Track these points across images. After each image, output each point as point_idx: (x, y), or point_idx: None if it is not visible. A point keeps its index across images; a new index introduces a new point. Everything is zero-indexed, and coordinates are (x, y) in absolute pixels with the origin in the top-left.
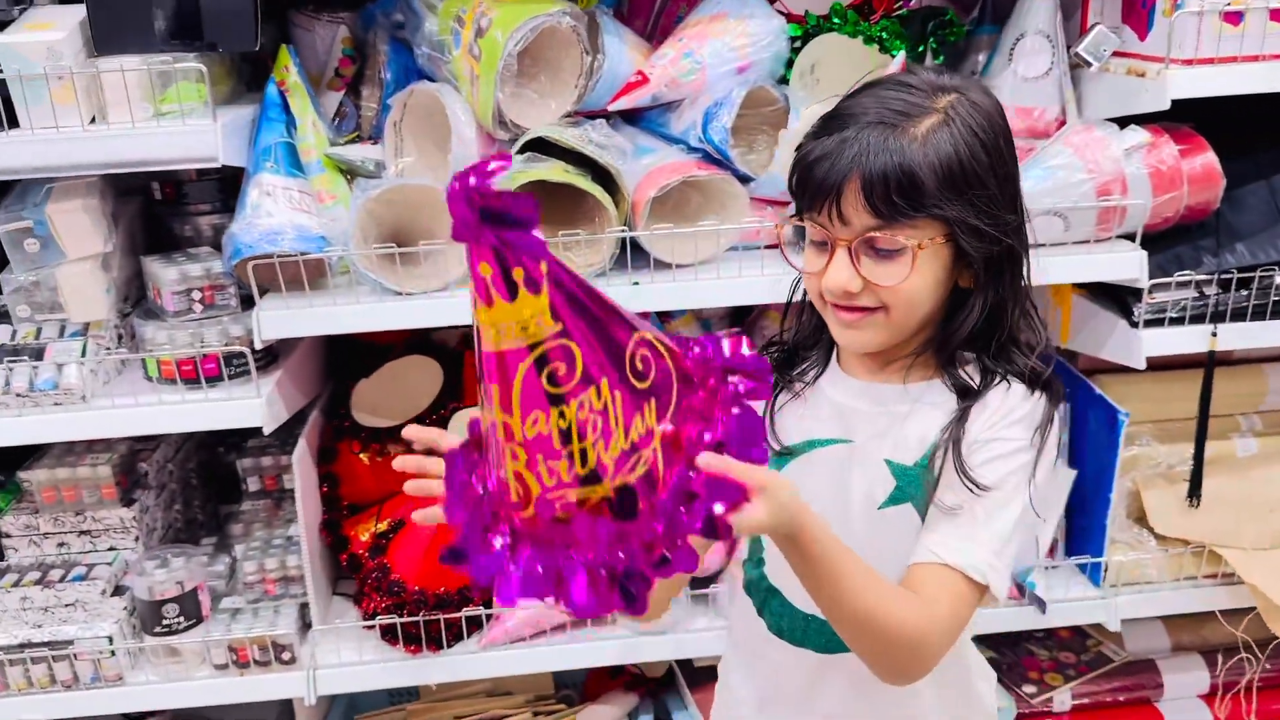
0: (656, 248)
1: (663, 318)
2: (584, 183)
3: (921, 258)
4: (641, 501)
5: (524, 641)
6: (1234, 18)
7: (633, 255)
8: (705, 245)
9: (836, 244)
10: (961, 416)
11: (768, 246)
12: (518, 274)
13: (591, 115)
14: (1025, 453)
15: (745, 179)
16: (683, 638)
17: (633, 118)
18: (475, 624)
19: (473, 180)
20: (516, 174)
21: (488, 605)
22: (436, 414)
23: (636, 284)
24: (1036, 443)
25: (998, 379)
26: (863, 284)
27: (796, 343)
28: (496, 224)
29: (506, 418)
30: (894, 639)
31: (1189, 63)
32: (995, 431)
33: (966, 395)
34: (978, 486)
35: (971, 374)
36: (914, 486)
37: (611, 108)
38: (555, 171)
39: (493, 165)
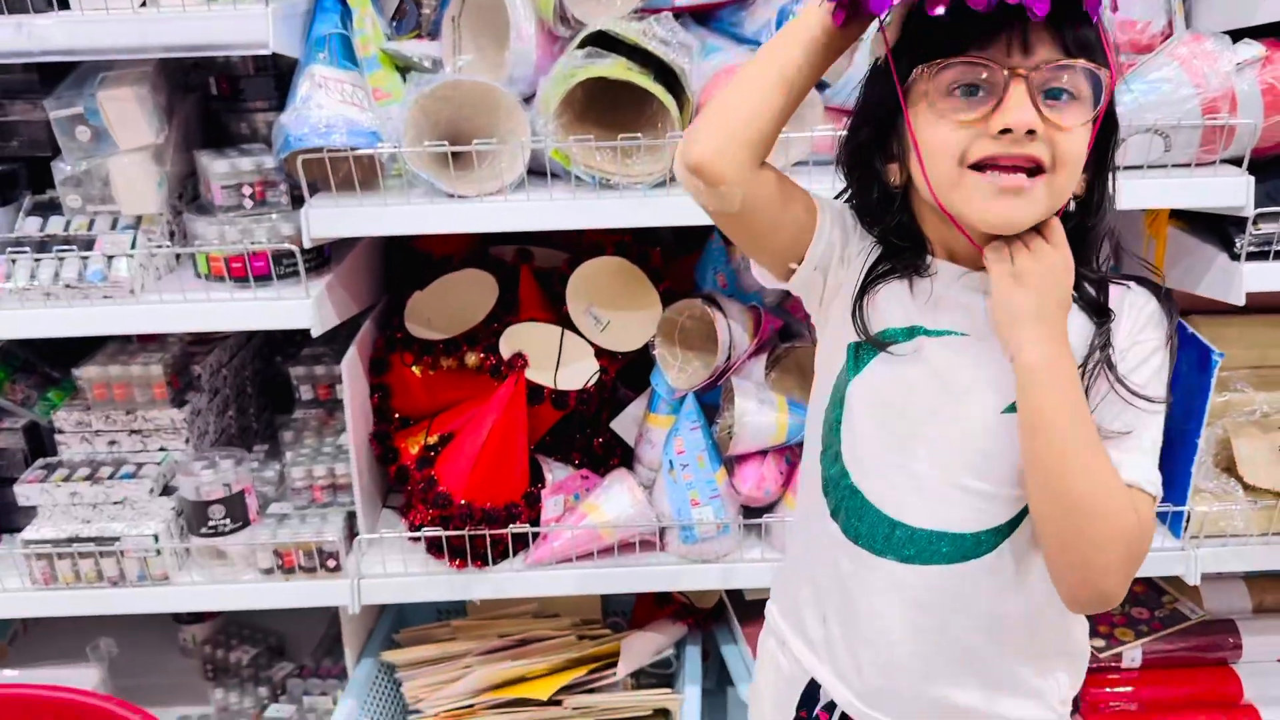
0: None
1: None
2: (646, 81)
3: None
4: None
5: (570, 563)
6: None
7: None
8: (777, 153)
9: (1014, 79)
10: (1106, 336)
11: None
12: None
13: (660, 12)
14: (1161, 353)
15: (821, 85)
16: (733, 567)
17: (704, 17)
18: (522, 542)
19: None
20: (576, 69)
21: (534, 524)
22: (490, 328)
23: None
24: (1168, 342)
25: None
26: (1043, 126)
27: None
28: None
29: None
30: (1112, 536)
31: None
32: (1134, 337)
33: (1099, 309)
34: (1148, 401)
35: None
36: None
37: (680, 2)
38: (617, 69)
39: None
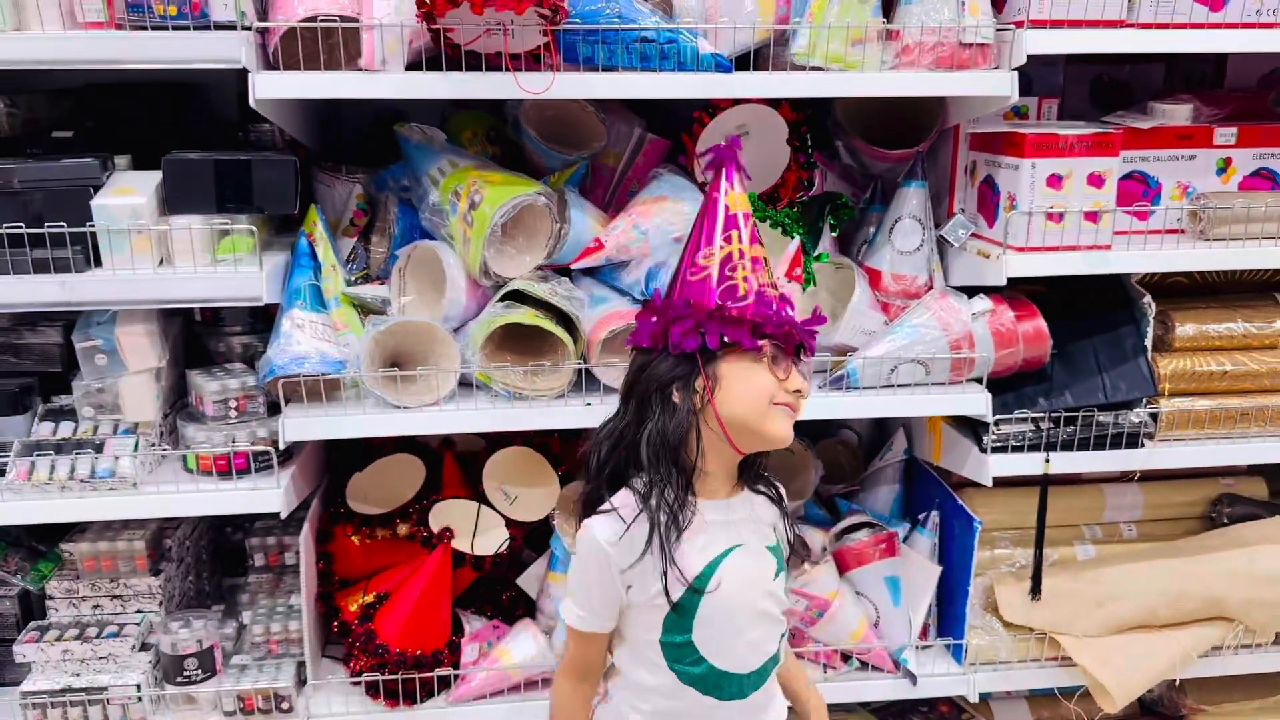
0: (606, 376)
1: None
2: (550, 325)
3: None
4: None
5: (485, 699)
6: (1056, 217)
7: (587, 382)
8: None
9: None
10: (785, 509)
11: None
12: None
13: (558, 270)
14: None
15: None
16: None
17: (591, 270)
18: (445, 684)
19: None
20: (497, 317)
21: (456, 667)
22: (419, 504)
23: (589, 404)
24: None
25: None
26: None
27: (668, 496)
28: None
29: (742, 245)
30: None
31: (1021, 249)
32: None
33: (775, 493)
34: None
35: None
36: (780, 558)
37: (574, 267)
38: (528, 316)
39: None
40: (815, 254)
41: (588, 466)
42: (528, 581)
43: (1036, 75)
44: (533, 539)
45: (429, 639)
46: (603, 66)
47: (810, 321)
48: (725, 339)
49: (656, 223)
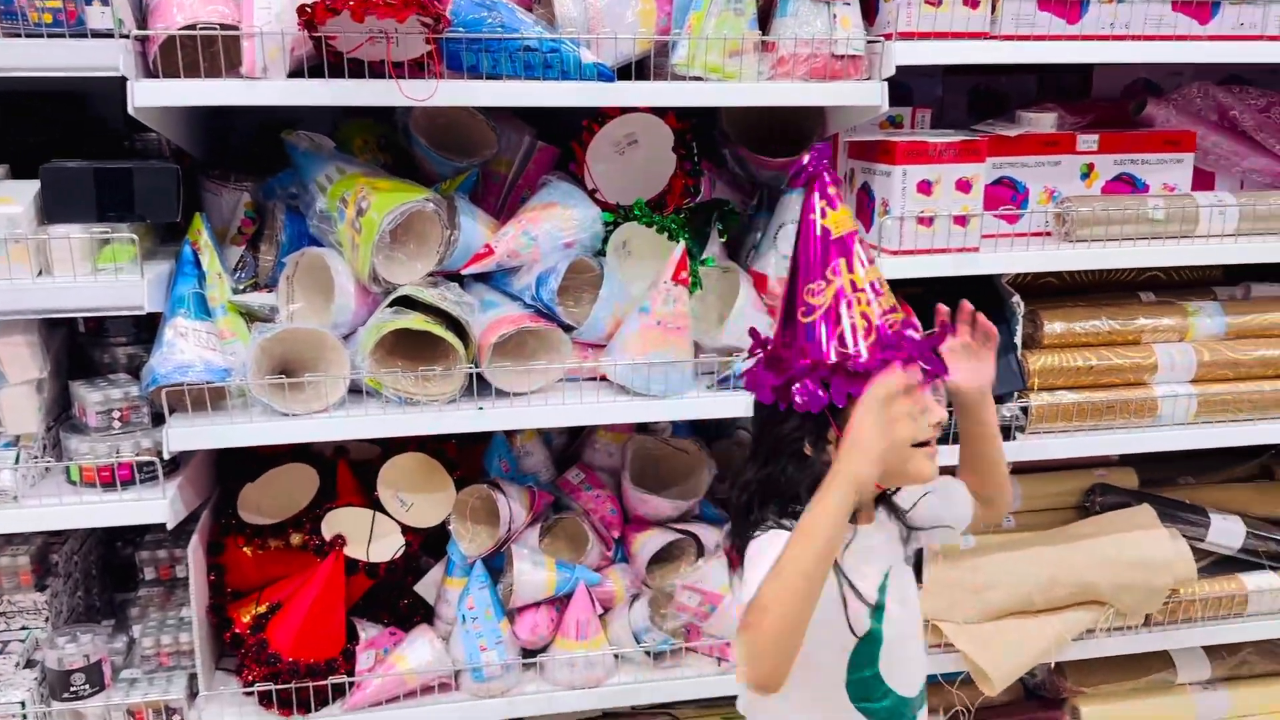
0: (498, 380)
1: (509, 435)
2: (440, 330)
3: None
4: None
5: (380, 706)
6: (927, 221)
7: (479, 386)
8: (537, 378)
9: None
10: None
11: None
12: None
13: (449, 276)
14: None
15: (569, 328)
16: (514, 699)
17: (484, 275)
18: (340, 692)
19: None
20: (385, 322)
21: (350, 674)
22: (312, 513)
23: (481, 409)
24: None
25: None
26: None
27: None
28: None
29: (852, 276)
30: None
31: (896, 253)
32: None
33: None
34: None
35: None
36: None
37: (464, 272)
38: (417, 321)
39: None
40: (702, 258)
41: (735, 519)
42: (425, 588)
43: (917, 86)
44: (431, 546)
45: (323, 647)
46: (487, 75)
47: (936, 339)
48: (852, 395)
49: (546, 228)
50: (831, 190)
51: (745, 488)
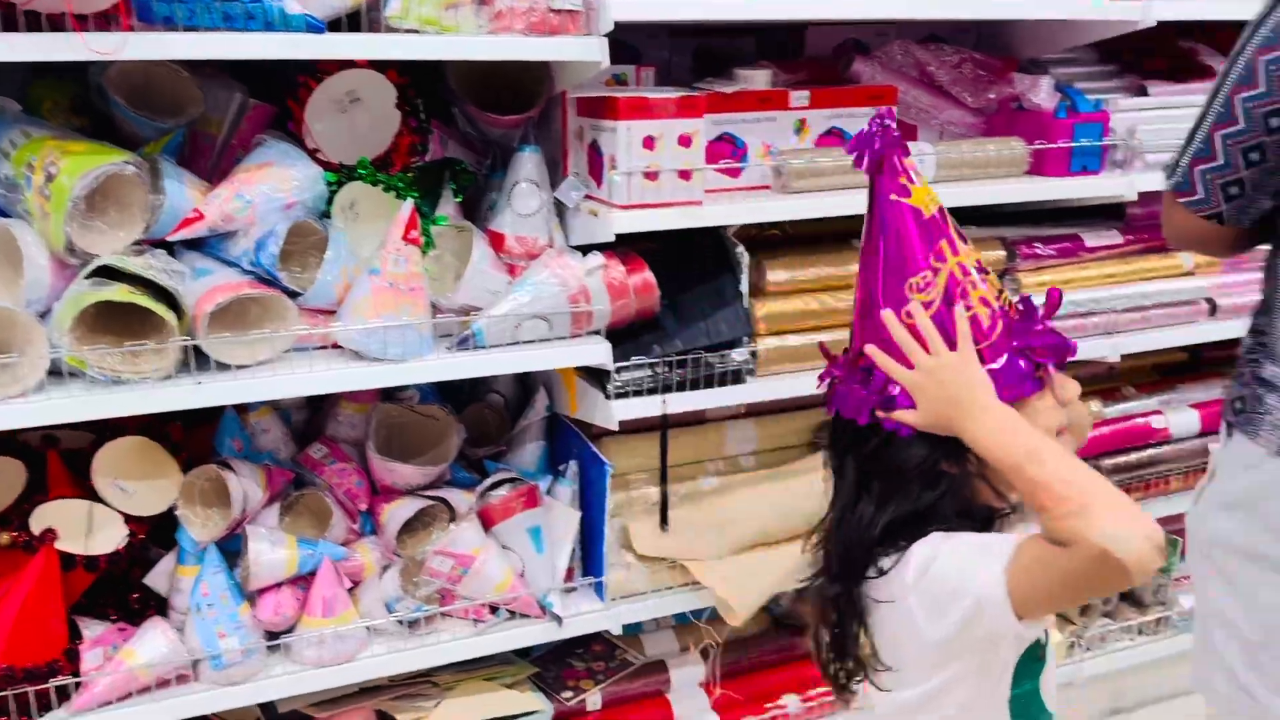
0: (217, 352)
1: (241, 412)
2: (147, 301)
3: None
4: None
5: (111, 704)
6: (653, 176)
7: (197, 360)
8: (261, 348)
9: None
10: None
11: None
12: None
13: (158, 244)
14: None
15: (294, 294)
16: (261, 684)
17: (198, 243)
18: (65, 695)
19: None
20: (84, 294)
21: (75, 674)
22: (20, 509)
23: (200, 383)
24: None
25: None
26: None
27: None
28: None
29: (958, 258)
30: None
31: (625, 207)
32: None
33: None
34: None
35: None
36: None
37: (172, 239)
38: (120, 293)
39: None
40: (433, 217)
41: (830, 569)
42: (156, 579)
43: (645, 47)
44: (162, 536)
45: (41, 649)
46: (184, 27)
47: (1048, 312)
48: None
49: (262, 190)
50: (907, 161)
51: (864, 530)
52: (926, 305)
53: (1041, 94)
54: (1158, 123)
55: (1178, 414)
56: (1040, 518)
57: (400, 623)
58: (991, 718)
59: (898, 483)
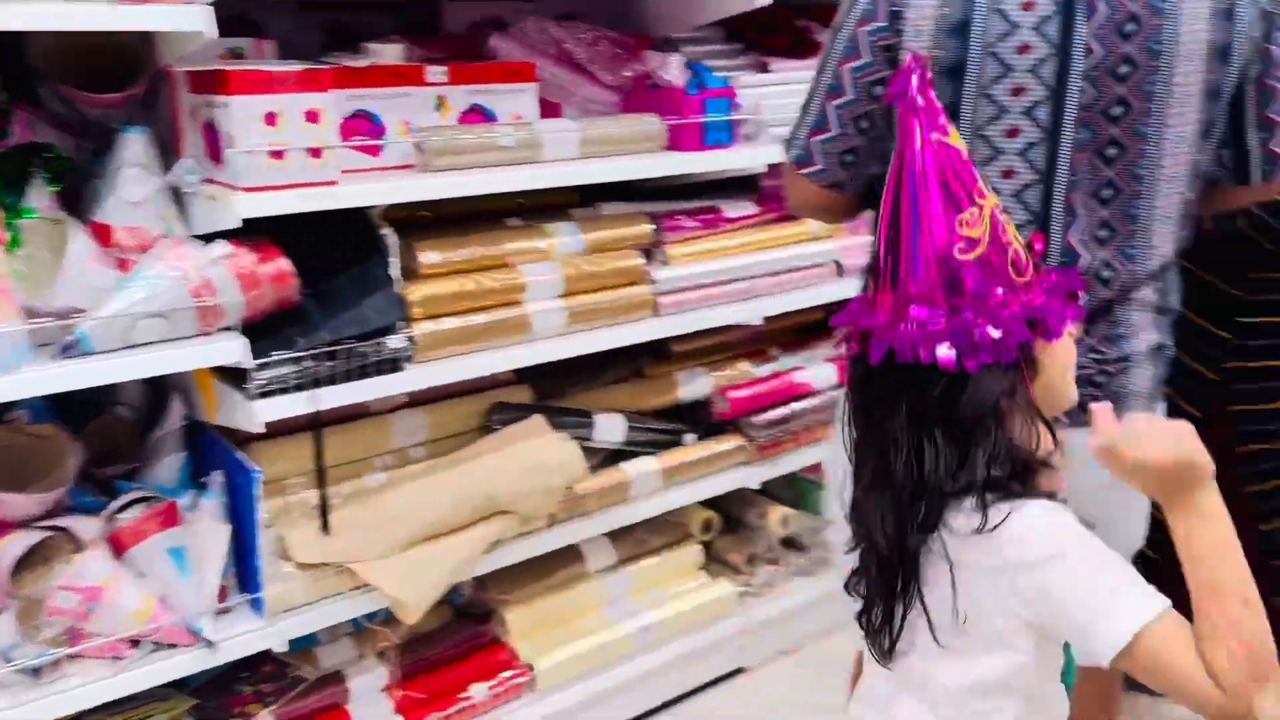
0: None
1: None
2: None
3: None
4: None
5: None
6: (279, 154)
7: None
8: None
9: None
10: None
11: None
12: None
13: None
14: None
15: None
16: None
17: None
18: None
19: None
20: None
21: None
22: None
23: None
24: None
25: None
26: None
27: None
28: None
29: (989, 199)
30: None
31: (250, 190)
32: None
33: None
34: None
35: None
36: None
37: None
38: None
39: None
40: (19, 209)
41: (932, 508)
42: None
43: (269, 21)
44: None
45: None
46: None
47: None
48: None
49: None
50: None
51: (944, 479)
52: (975, 243)
53: (672, 71)
54: (780, 97)
55: (817, 368)
56: (1204, 645)
57: (22, 671)
58: (1050, 686)
59: (969, 425)
